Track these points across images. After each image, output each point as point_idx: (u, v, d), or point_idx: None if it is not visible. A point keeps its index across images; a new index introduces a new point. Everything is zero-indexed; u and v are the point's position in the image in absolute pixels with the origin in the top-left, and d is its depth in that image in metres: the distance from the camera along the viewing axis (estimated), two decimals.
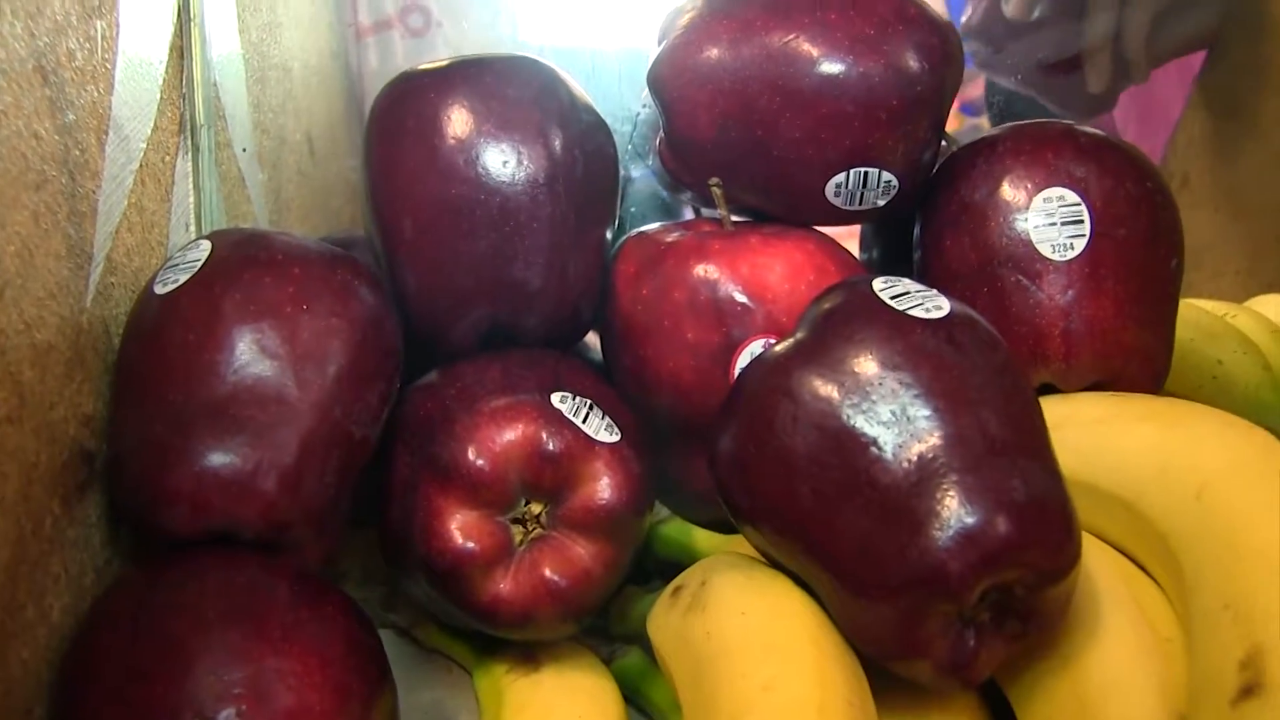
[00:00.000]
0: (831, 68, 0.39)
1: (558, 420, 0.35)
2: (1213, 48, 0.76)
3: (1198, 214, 0.80)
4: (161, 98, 0.43)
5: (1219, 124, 0.78)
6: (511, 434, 0.35)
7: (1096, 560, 0.34)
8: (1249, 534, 0.30)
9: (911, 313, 0.32)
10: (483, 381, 0.37)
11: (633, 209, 0.51)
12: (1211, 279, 0.78)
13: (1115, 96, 0.78)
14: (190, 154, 0.45)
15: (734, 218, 0.43)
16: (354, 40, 1.03)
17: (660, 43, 0.43)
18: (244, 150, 0.50)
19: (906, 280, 0.34)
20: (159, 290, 0.36)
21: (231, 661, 0.30)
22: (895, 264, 0.47)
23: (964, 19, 0.78)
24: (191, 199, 0.45)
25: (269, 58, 0.58)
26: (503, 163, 0.38)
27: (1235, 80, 0.74)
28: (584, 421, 0.35)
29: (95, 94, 0.37)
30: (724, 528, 0.41)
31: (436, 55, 1.21)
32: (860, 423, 0.31)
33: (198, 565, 0.33)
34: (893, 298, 0.33)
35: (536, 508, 0.35)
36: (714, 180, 0.41)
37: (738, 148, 0.41)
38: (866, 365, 0.31)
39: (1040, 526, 0.30)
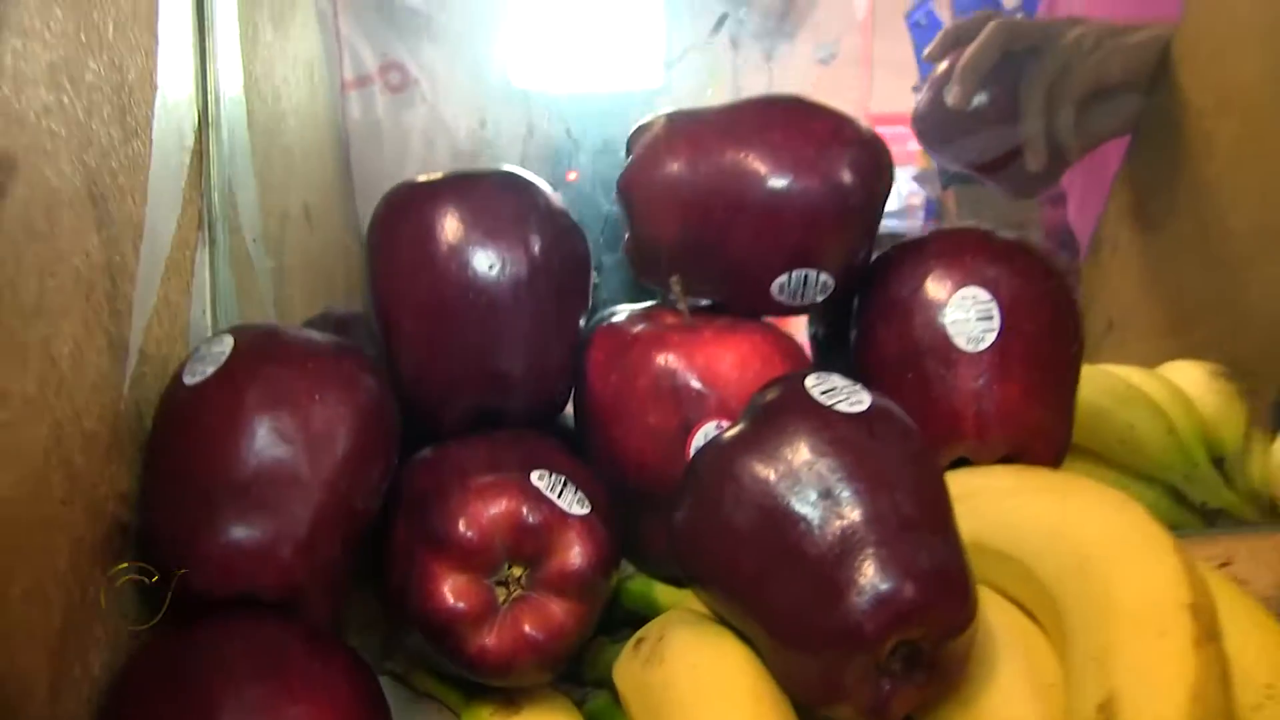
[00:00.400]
0: (776, 183, 0.45)
1: (536, 496, 0.40)
2: (1136, 131, 0.83)
3: (1127, 278, 0.87)
4: (184, 199, 0.48)
5: (1143, 199, 0.84)
6: (496, 508, 0.40)
7: (996, 615, 0.40)
8: (1116, 598, 0.36)
9: (837, 407, 0.38)
10: (471, 460, 0.42)
11: (604, 296, 0.57)
12: (1138, 339, 0.84)
13: (1056, 177, 0.85)
14: (208, 246, 0.50)
15: (700, 302, 0.48)
16: (339, 94, 1.09)
17: (628, 156, 0.49)
18: (254, 240, 0.55)
19: (835, 376, 0.40)
20: (188, 381, 0.41)
21: (255, 710, 0.35)
22: (838, 339, 0.52)
23: (914, 107, 0.84)
24: (208, 287, 0.50)
25: (274, 143, 0.63)
26: (489, 267, 0.44)
27: (1154, 162, 0.80)
28: (559, 496, 0.41)
29: (132, 205, 0.43)
30: (682, 583, 0.46)
31: (414, 110, 1.28)
32: (792, 503, 0.36)
33: (223, 625, 0.38)
34: (822, 393, 0.39)
35: (518, 571, 0.41)
36: (675, 278, 0.47)
37: (695, 250, 0.46)
38: (798, 454, 0.37)
39: (941, 592, 0.35)
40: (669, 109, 0.49)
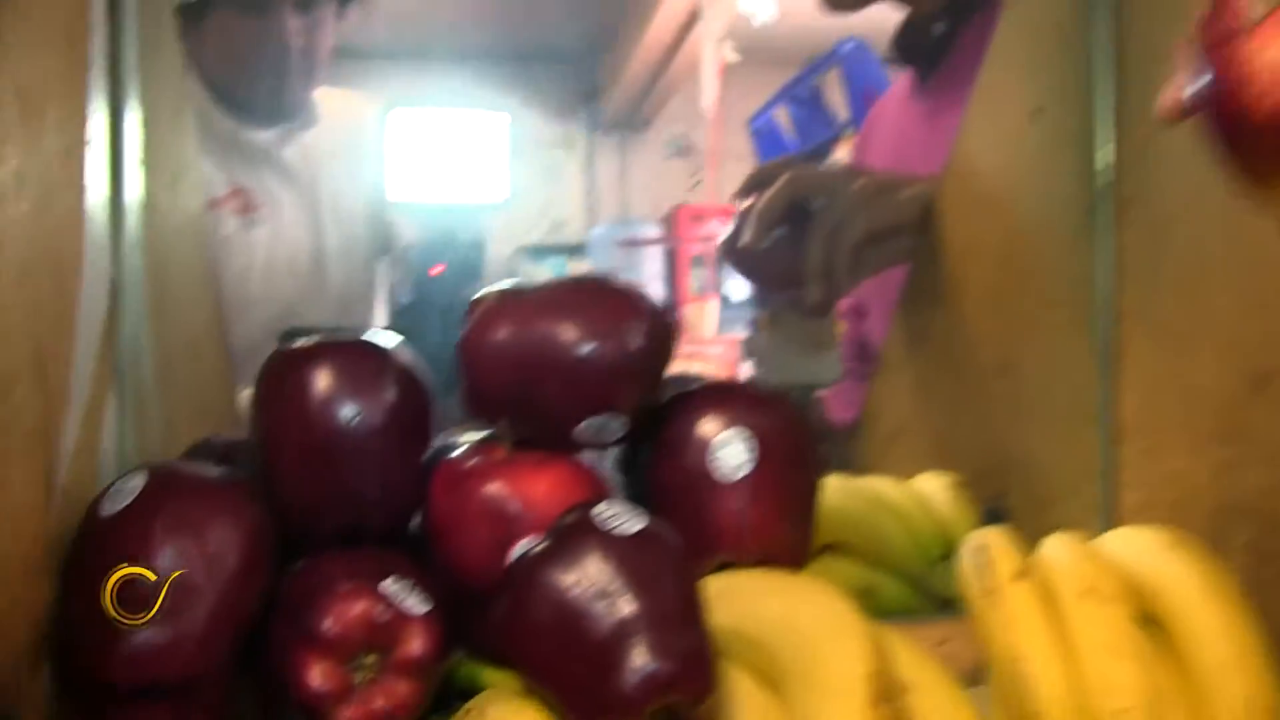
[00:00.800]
0: (580, 349, 0.57)
1: (386, 599, 0.52)
2: (911, 265, 0.99)
3: (904, 394, 1.02)
4: (99, 356, 0.58)
5: (915, 326, 1.00)
6: (355, 609, 0.51)
7: (740, 686, 0.52)
8: (819, 670, 0.49)
9: (616, 530, 0.51)
10: (335, 570, 0.53)
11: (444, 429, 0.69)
12: (913, 449, 0.99)
13: (834, 304, 1.00)
14: (115, 392, 0.61)
15: (517, 442, 0.61)
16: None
17: (465, 321, 0.61)
18: (151, 382, 0.65)
19: (619, 505, 0.53)
20: (106, 512, 0.51)
21: None
22: (635, 466, 0.65)
23: (721, 238, 0.99)
24: (114, 427, 0.60)
25: (167, 293, 0.73)
26: (352, 417, 0.55)
27: (923, 295, 0.96)
28: (405, 599, 0.52)
29: (64, 368, 0.53)
30: (502, 665, 0.58)
31: (256, 232, 1.43)
32: (580, 602, 0.49)
33: (134, 709, 0.48)
34: (605, 519, 0.51)
35: (371, 659, 0.51)
36: (501, 420, 0.59)
37: (517, 398, 0.59)
38: (585, 566, 0.49)
39: (691, 669, 0.48)
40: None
